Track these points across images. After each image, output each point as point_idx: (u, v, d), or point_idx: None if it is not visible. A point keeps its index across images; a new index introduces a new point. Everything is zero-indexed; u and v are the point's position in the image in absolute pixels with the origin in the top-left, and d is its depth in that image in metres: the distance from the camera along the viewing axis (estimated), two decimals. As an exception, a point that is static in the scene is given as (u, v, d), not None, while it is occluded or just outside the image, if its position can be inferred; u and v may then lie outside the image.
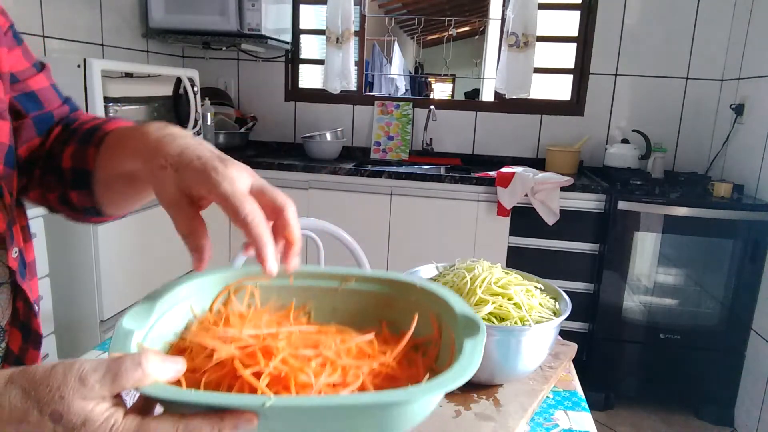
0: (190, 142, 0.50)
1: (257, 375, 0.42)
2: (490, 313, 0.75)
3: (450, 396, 0.74)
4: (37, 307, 0.65)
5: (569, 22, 2.83)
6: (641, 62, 2.74)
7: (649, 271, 2.31)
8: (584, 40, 2.79)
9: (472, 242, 2.45)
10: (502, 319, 0.75)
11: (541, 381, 0.78)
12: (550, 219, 2.34)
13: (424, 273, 0.90)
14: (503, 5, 2.83)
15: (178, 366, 0.41)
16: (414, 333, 0.52)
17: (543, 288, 0.84)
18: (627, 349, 2.35)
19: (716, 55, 2.67)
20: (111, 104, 1.96)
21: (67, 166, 0.61)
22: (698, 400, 2.34)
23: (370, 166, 2.72)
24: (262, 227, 0.45)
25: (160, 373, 0.39)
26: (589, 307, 2.41)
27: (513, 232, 2.42)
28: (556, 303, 0.81)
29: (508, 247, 2.44)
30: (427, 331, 0.53)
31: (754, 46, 2.41)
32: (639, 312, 2.33)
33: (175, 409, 0.39)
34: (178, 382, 0.41)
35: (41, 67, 0.66)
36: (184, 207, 0.47)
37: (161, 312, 0.50)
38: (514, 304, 0.76)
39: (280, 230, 0.49)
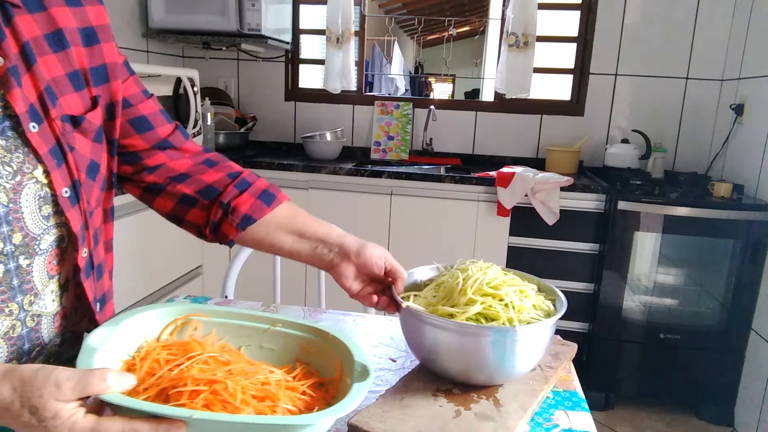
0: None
1: (196, 394, 0.54)
2: (478, 314, 0.74)
3: (450, 396, 0.74)
4: (97, 306, 0.76)
5: (569, 22, 2.83)
6: (641, 62, 2.74)
7: (649, 271, 2.31)
8: (584, 40, 2.79)
9: (472, 242, 2.45)
10: (491, 320, 0.74)
11: (541, 381, 0.78)
12: (550, 219, 2.34)
13: (424, 273, 0.90)
14: (503, 5, 2.82)
15: (131, 380, 0.53)
16: (321, 373, 0.67)
17: (539, 288, 0.84)
18: (627, 349, 2.35)
19: (716, 55, 2.67)
20: (111, 104, 1.95)
21: (244, 210, 0.80)
22: (698, 400, 2.34)
23: (370, 166, 2.72)
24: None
25: (118, 386, 0.51)
26: (589, 307, 2.41)
27: (513, 232, 2.42)
28: (554, 303, 0.81)
29: (508, 247, 2.44)
30: (332, 374, 0.66)
31: (754, 46, 2.41)
32: (639, 312, 2.33)
33: (125, 413, 0.51)
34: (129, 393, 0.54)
35: (149, 94, 0.80)
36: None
37: (119, 336, 0.62)
38: (504, 304, 0.76)
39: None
